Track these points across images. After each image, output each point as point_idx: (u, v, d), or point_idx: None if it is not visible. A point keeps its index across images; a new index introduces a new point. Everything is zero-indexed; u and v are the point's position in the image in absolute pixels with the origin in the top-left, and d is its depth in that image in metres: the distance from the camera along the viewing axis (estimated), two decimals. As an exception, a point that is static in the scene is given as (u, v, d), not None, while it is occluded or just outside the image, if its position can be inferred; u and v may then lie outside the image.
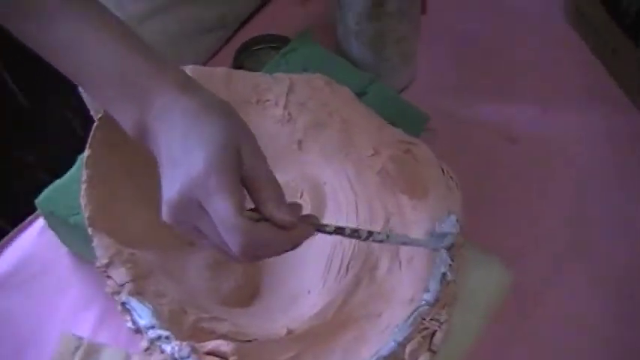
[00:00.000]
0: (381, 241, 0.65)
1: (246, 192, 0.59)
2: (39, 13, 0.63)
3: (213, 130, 0.57)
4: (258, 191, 0.58)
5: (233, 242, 0.55)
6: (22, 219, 0.88)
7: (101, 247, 0.66)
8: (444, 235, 0.67)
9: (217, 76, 0.78)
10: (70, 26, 0.63)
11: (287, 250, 0.60)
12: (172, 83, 0.60)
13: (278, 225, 0.58)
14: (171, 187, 0.57)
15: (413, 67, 0.97)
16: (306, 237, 0.61)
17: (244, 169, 0.58)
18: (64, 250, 0.84)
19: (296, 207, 0.61)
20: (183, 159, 0.57)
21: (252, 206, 0.59)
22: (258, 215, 0.58)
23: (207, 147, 0.56)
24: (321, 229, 0.62)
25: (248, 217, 0.56)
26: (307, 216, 0.62)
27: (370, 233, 0.63)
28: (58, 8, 0.62)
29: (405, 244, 0.67)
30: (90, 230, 0.67)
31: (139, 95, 0.60)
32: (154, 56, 0.63)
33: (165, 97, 0.60)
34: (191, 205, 0.56)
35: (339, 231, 0.63)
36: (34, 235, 0.86)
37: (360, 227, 0.66)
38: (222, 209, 0.55)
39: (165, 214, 0.58)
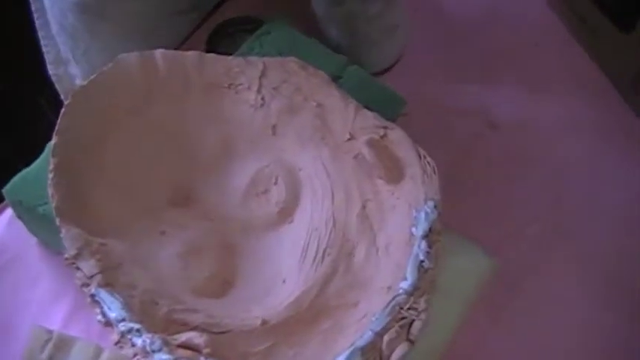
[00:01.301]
0: None
1: None
2: None
3: None
4: None
5: None
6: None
7: (69, 238, 0.64)
8: None
9: (189, 60, 0.76)
10: None
11: None
12: None
13: None
14: None
15: (399, 42, 0.95)
16: None
17: None
18: (34, 240, 0.82)
19: None
20: None
21: None
22: None
23: None
24: None
25: None
26: None
27: None
28: None
29: None
30: (58, 221, 0.65)
31: None
32: None
33: None
34: None
35: None
36: (3, 225, 0.84)
37: None
38: None
39: None
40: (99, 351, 0.70)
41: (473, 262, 0.76)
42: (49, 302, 0.79)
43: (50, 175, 0.67)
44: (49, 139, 0.74)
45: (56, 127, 0.69)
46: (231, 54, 0.81)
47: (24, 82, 1.39)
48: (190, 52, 0.77)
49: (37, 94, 1.40)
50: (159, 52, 0.75)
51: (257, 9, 0.97)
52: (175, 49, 0.93)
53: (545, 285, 0.79)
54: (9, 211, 0.83)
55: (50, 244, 0.80)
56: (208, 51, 0.92)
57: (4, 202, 0.83)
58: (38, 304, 0.79)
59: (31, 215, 0.75)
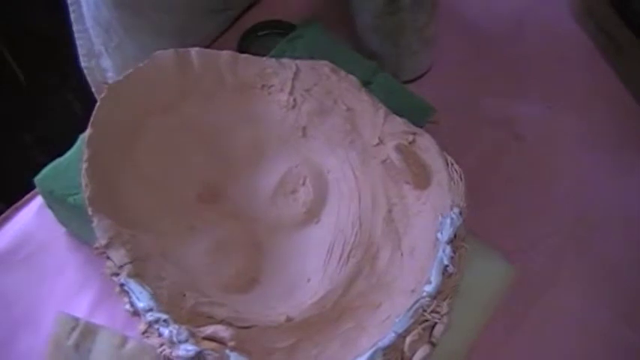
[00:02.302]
0: None
1: None
2: None
3: None
4: None
5: None
6: (17, 198, 0.87)
7: (101, 227, 0.65)
8: None
9: (223, 60, 0.77)
10: None
11: None
12: None
13: None
14: None
15: (431, 53, 0.96)
16: None
17: None
18: (61, 230, 0.83)
19: None
20: None
21: None
22: None
23: None
24: None
25: None
26: None
27: None
28: None
29: None
30: (90, 210, 0.66)
31: None
32: None
33: None
34: None
35: None
36: (32, 214, 0.85)
37: None
38: None
39: None
40: (124, 340, 0.71)
41: (494, 268, 0.77)
42: (74, 292, 0.80)
43: (84, 166, 0.68)
44: (74, 130, 0.75)
45: (91, 119, 0.70)
46: (262, 56, 0.82)
47: (50, 73, 1.41)
48: (225, 52, 0.78)
49: (63, 85, 1.42)
50: (194, 51, 0.77)
51: (288, 12, 0.98)
52: (206, 47, 0.95)
53: (563, 296, 0.79)
54: (38, 200, 0.84)
55: (79, 234, 0.81)
56: (239, 51, 0.93)
57: (33, 191, 0.85)
58: (64, 293, 0.80)
59: (61, 205, 0.77)
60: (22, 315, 0.78)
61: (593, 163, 0.90)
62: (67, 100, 1.40)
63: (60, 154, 0.78)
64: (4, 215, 0.85)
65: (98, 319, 0.76)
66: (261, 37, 0.96)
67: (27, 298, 0.80)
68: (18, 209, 0.86)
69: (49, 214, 0.81)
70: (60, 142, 0.79)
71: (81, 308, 0.78)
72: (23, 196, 0.86)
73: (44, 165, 0.78)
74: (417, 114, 0.81)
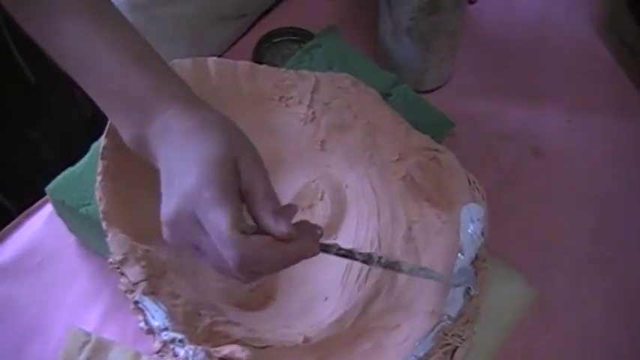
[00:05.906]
0: (392, 268, 0.61)
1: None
2: (44, 12, 0.61)
3: (210, 145, 0.57)
4: (254, 205, 0.56)
5: (228, 256, 0.54)
6: (25, 196, 0.86)
7: (115, 242, 0.64)
8: (463, 272, 0.65)
9: (241, 70, 0.76)
10: (72, 30, 0.62)
11: (286, 266, 0.58)
12: (172, 99, 0.60)
13: (275, 238, 0.55)
14: (168, 204, 0.57)
15: (454, 60, 0.95)
16: (309, 254, 0.58)
17: (242, 183, 0.56)
18: (71, 239, 0.82)
19: (304, 226, 0.59)
20: (180, 174, 0.57)
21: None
22: (257, 229, 0.56)
23: (202, 161, 0.55)
24: (325, 249, 0.59)
25: (244, 230, 0.54)
26: (313, 228, 0.59)
27: (380, 258, 0.60)
28: (61, 10, 0.61)
29: (419, 276, 0.64)
30: (104, 224, 0.65)
31: (140, 109, 0.60)
32: (156, 67, 0.62)
33: (165, 113, 0.59)
34: (188, 220, 0.55)
35: (346, 254, 0.60)
36: (42, 222, 0.83)
37: (371, 252, 0.61)
38: (217, 222, 0.53)
39: (165, 234, 0.57)
40: (137, 357, 0.70)
41: (515, 289, 0.76)
42: (84, 303, 0.78)
43: (98, 179, 0.67)
44: (83, 128, 0.73)
45: (106, 130, 0.69)
46: (277, 63, 0.81)
47: (59, 71, 1.39)
48: (242, 63, 0.77)
49: (71, 85, 1.41)
50: (211, 60, 0.75)
51: (304, 20, 0.97)
52: (223, 53, 0.94)
53: (582, 315, 0.78)
54: (48, 208, 0.83)
55: (89, 244, 0.80)
56: (255, 58, 0.92)
57: (43, 199, 0.83)
58: (74, 303, 0.78)
59: (72, 215, 0.75)
60: (31, 323, 0.77)
61: (613, 178, 0.89)
62: (75, 98, 1.38)
63: (69, 152, 0.77)
64: (14, 222, 0.84)
65: (108, 332, 0.75)
66: (277, 44, 0.95)
67: (37, 306, 0.78)
68: (28, 216, 0.85)
69: (60, 222, 0.80)
70: (68, 140, 0.78)
71: (90, 320, 0.77)
72: (31, 194, 0.85)
73: (52, 163, 0.76)
74: (436, 128, 0.80)
